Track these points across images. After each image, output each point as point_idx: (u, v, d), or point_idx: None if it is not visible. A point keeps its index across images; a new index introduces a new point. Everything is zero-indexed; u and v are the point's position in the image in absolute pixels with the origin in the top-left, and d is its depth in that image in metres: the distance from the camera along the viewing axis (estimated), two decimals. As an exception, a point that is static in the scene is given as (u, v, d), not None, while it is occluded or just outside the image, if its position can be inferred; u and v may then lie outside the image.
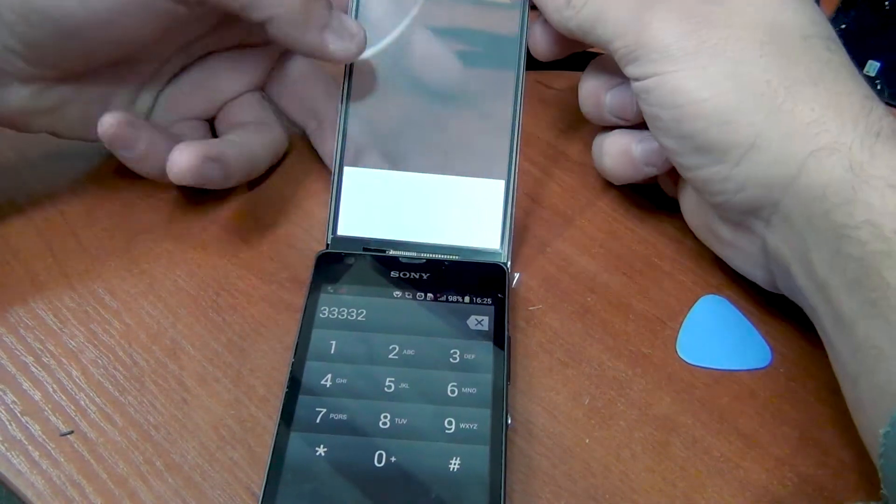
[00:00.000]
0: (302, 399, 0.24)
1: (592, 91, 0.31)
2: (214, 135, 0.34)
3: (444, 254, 0.29)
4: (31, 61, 0.28)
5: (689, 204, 0.31)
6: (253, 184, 0.34)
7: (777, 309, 0.30)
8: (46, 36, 0.27)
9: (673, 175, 0.31)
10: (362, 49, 0.29)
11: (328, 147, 0.32)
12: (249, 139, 0.32)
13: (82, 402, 0.26)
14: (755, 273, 0.28)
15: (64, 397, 0.26)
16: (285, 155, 0.35)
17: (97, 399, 0.26)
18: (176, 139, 0.31)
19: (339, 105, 0.30)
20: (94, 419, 0.26)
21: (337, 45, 0.28)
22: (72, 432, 0.25)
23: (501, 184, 0.30)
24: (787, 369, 0.28)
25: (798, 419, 0.27)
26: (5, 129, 0.30)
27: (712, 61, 0.25)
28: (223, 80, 0.34)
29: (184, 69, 0.33)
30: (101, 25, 0.27)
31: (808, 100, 0.25)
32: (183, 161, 0.28)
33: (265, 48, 0.34)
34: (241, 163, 0.31)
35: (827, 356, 0.26)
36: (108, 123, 0.28)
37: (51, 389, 0.26)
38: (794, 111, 0.25)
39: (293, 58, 0.34)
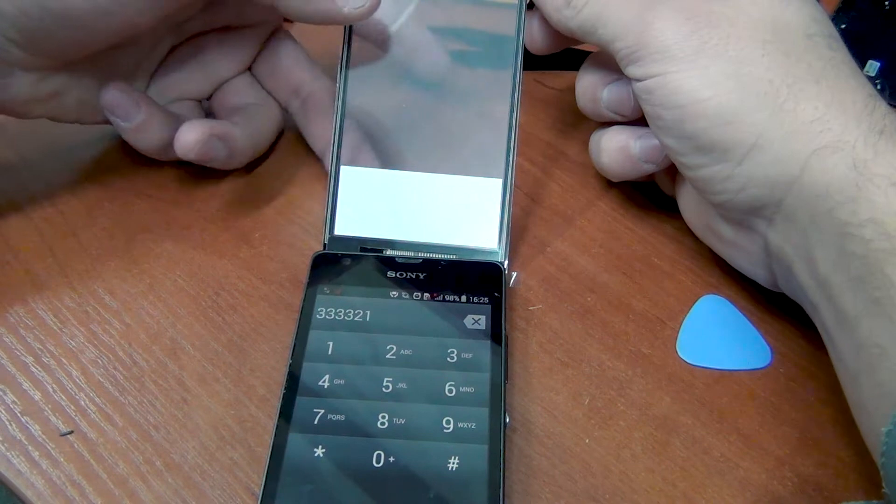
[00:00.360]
0: (300, 400, 0.24)
1: (589, 87, 0.31)
2: (208, 116, 0.35)
3: (441, 253, 0.29)
4: (32, 51, 0.28)
5: (688, 203, 0.31)
6: (253, 183, 0.34)
7: (777, 308, 0.30)
8: (47, 28, 0.27)
9: (671, 173, 0.31)
10: (376, 5, 0.29)
11: (312, 129, 0.33)
12: (253, 121, 0.33)
13: (82, 402, 0.26)
14: (756, 272, 0.28)
15: (64, 397, 0.26)
16: (281, 135, 0.35)
17: (97, 399, 0.26)
18: (174, 117, 0.32)
19: (336, 103, 0.30)
20: (94, 419, 0.26)
21: (349, 6, 0.28)
22: (72, 432, 0.25)
23: (499, 182, 0.30)
24: (787, 369, 0.28)
25: (798, 419, 0.27)
26: (5, 128, 0.30)
27: (714, 61, 0.25)
28: (214, 61, 0.34)
29: (174, 49, 0.34)
30: (103, 15, 0.27)
31: (810, 98, 0.25)
32: (191, 136, 0.30)
33: (253, 29, 0.34)
34: (246, 144, 0.32)
35: (827, 356, 0.25)
36: (110, 92, 0.30)
37: (51, 389, 0.26)
38: (796, 110, 0.24)
39: (279, 40, 0.35)
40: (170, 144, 0.31)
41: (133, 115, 0.31)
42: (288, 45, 0.35)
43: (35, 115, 0.31)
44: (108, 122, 0.32)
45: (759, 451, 0.26)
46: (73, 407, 0.26)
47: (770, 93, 0.25)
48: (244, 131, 0.32)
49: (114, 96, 0.30)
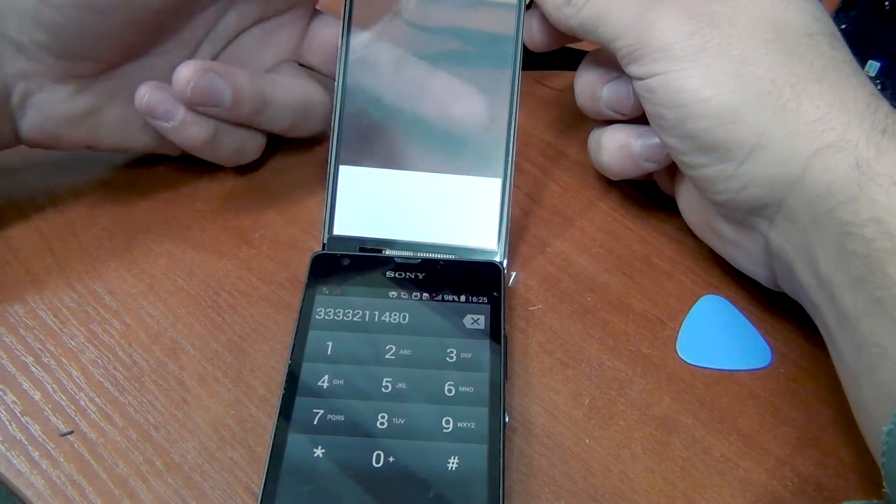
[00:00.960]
0: (299, 400, 0.24)
1: (588, 85, 0.31)
2: None
3: (440, 253, 0.29)
4: (59, 53, 0.27)
5: (688, 202, 0.31)
6: (253, 183, 0.34)
7: (777, 308, 0.30)
8: (68, 17, 0.26)
9: (670, 172, 0.31)
10: None
11: None
12: (269, 77, 0.31)
13: (82, 402, 0.26)
14: (757, 271, 0.28)
15: (64, 397, 0.26)
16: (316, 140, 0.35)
17: (97, 399, 0.26)
18: None
19: (334, 104, 0.30)
20: (94, 419, 0.26)
21: None
22: (72, 432, 0.25)
23: (498, 182, 0.29)
24: (787, 369, 0.28)
25: (798, 419, 0.27)
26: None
27: (716, 60, 0.25)
28: (254, 57, 0.33)
29: (214, 58, 0.32)
30: None
31: (813, 97, 0.24)
32: (186, 70, 0.28)
33: (289, 14, 0.33)
34: (251, 89, 0.30)
35: (827, 356, 0.25)
36: (145, 90, 0.29)
37: (51, 389, 0.26)
38: (798, 109, 0.24)
39: (324, 23, 0.34)
40: (218, 137, 0.30)
41: (174, 113, 0.29)
42: (330, 21, 0.34)
43: (73, 142, 0.30)
44: (155, 147, 0.32)
45: (759, 451, 0.26)
46: (73, 407, 0.26)
47: (772, 92, 0.25)
48: (251, 78, 0.30)
49: (150, 94, 0.29)
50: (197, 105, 0.29)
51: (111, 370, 0.27)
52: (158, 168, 0.34)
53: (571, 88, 0.32)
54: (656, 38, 0.26)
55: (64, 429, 0.25)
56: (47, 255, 0.30)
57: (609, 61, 0.30)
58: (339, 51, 0.30)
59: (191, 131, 0.30)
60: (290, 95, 0.32)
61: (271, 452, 0.23)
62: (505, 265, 0.29)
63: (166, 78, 0.30)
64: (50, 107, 0.28)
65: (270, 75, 0.32)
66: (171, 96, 0.29)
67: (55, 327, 0.28)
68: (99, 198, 0.33)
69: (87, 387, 0.26)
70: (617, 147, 0.30)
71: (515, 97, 0.30)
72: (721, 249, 0.30)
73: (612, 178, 0.33)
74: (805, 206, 0.24)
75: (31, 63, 0.27)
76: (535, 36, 0.31)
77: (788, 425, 0.26)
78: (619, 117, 0.31)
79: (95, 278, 0.30)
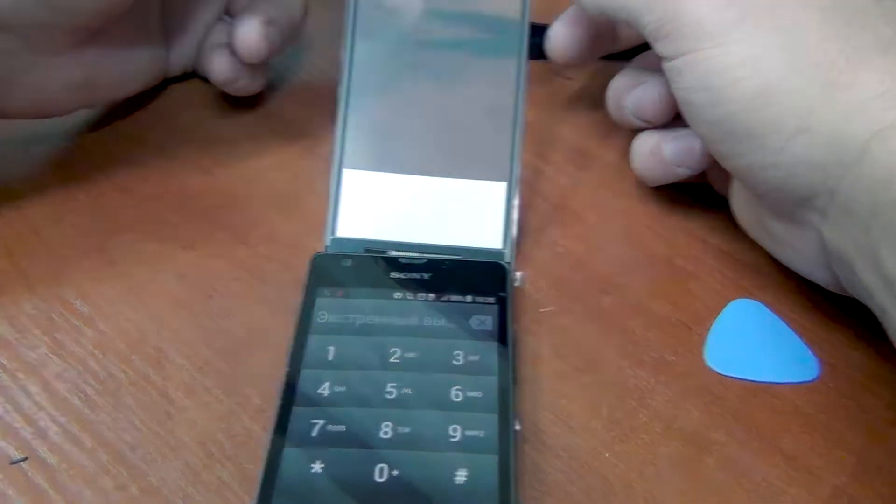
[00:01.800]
0: (297, 411, 0.23)
1: (616, 94, 0.30)
2: None
3: (445, 254, 0.28)
4: (58, 23, 0.27)
5: (738, 200, 0.29)
6: (248, 178, 0.32)
7: (825, 315, 0.28)
8: None
9: (724, 170, 0.30)
10: None
11: None
12: (280, 8, 0.33)
13: (41, 423, 0.23)
14: (815, 273, 0.26)
15: (18, 418, 0.24)
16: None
17: (61, 418, 0.24)
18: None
19: (339, 108, 0.29)
20: (55, 441, 0.23)
21: None
22: (25, 459, 0.23)
23: (503, 182, 0.29)
24: (838, 384, 0.26)
25: (855, 442, 0.24)
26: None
27: (753, 34, 0.23)
28: None
29: None
30: None
31: (876, 70, 0.22)
32: (253, 36, 0.31)
33: None
34: (285, 21, 0.33)
35: (889, 369, 0.24)
36: (223, 66, 0.33)
37: (1, 410, 0.24)
38: (854, 84, 0.22)
39: None
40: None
41: (243, 72, 0.33)
42: None
43: (69, 109, 0.31)
44: (150, 85, 0.33)
45: (808, 476, 0.23)
46: (30, 429, 0.23)
47: (823, 64, 0.23)
48: (277, 10, 0.33)
49: (229, 67, 0.32)
50: (261, 59, 0.32)
51: (80, 384, 0.25)
52: (140, 160, 0.32)
53: (587, 77, 0.32)
54: (687, 12, 0.24)
55: (16, 455, 0.23)
56: (2, 255, 0.28)
57: (640, 70, 0.29)
58: (344, 53, 0.29)
59: (255, 84, 0.34)
60: (292, 15, 0.34)
61: (265, 469, 0.21)
62: (512, 265, 0.28)
63: (140, 27, 0.32)
64: (51, 82, 0.29)
65: (278, 6, 0.33)
66: (237, 62, 0.32)
67: (10, 337, 0.26)
68: (66, 191, 0.31)
69: (48, 405, 0.24)
70: (648, 152, 0.29)
71: (521, 91, 0.29)
72: (774, 250, 0.28)
73: (650, 185, 0.32)
74: (863, 196, 0.22)
75: (21, 41, 0.27)
76: (560, 46, 0.31)
77: (843, 449, 0.24)
78: (644, 125, 0.30)
79: (63, 281, 0.27)
